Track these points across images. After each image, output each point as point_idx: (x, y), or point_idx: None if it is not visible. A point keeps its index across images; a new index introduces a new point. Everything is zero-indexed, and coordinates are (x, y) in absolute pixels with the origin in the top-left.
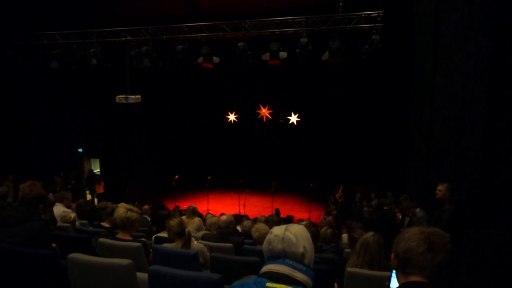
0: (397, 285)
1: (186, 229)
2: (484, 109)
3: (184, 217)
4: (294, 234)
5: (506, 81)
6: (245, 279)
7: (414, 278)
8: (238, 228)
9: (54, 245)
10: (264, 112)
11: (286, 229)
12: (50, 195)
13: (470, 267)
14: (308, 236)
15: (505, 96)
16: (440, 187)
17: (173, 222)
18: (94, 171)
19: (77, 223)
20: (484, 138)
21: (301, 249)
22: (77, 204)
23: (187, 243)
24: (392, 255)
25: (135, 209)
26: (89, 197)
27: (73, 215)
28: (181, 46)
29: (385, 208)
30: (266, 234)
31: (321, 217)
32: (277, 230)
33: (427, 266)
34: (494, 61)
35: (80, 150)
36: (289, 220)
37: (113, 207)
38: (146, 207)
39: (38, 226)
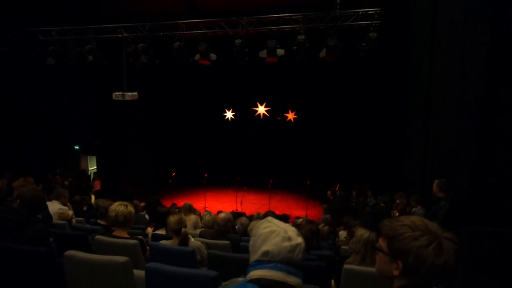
0: None
1: (183, 229)
2: (480, 105)
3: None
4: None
5: (503, 77)
6: (230, 283)
7: (418, 284)
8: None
9: (51, 238)
10: (261, 109)
11: (298, 234)
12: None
13: (465, 265)
14: (300, 235)
15: (501, 93)
16: (434, 184)
17: (173, 218)
18: (91, 168)
19: (74, 220)
20: (481, 135)
21: (300, 255)
22: (72, 201)
23: (183, 242)
24: (399, 264)
25: (129, 205)
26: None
27: (71, 212)
28: (178, 43)
29: (382, 205)
30: None
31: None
32: (293, 233)
33: (439, 273)
34: (491, 57)
35: (77, 147)
36: (284, 218)
37: (105, 205)
38: (143, 204)
39: (41, 228)
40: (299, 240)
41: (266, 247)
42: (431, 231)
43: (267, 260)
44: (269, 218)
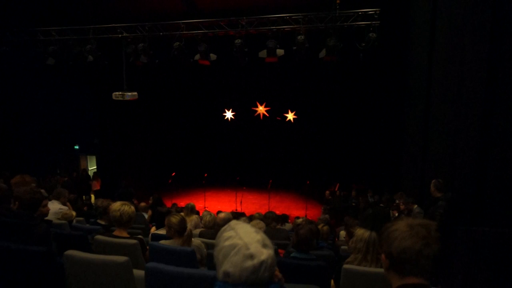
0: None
1: (188, 229)
2: (479, 106)
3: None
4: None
5: (502, 77)
6: None
7: (412, 280)
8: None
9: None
10: (261, 109)
11: (271, 248)
12: (43, 191)
13: (464, 264)
14: (269, 244)
15: (500, 93)
16: (431, 184)
17: (175, 219)
18: (90, 168)
19: (74, 220)
20: (480, 135)
21: (267, 273)
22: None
23: (187, 242)
24: (383, 256)
25: (131, 204)
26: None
27: (74, 213)
28: (178, 43)
29: (381, 205)
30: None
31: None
32: (257, 250)
33: (425, 263)
34: (490, 57)
35: (77, 147)
36: (284, 218)
37: (104, 205)
38: (143, 204)
39: (44, 230)
40: (264, 256)
41: (226, 266)
42: (414, 224)
43: (231, 282)
44: (233, 223)
